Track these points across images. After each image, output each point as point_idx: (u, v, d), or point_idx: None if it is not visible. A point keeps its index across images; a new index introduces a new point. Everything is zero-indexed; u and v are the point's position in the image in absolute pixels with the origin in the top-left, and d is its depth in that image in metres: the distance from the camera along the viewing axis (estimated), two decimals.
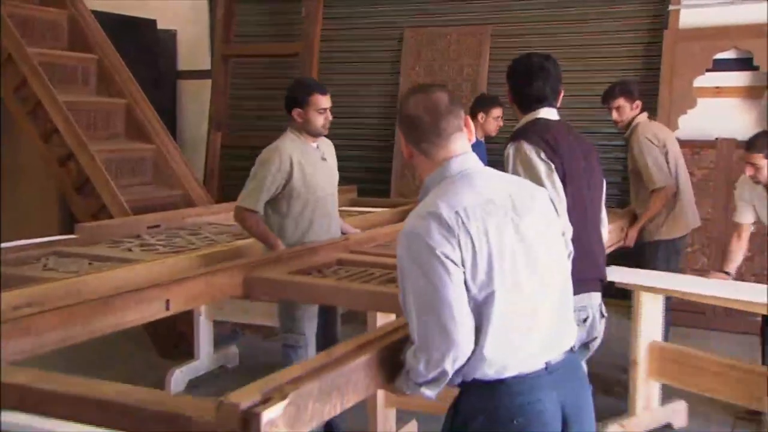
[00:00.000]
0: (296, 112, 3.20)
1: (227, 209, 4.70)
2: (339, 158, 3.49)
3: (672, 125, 5.28)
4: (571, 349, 1.78)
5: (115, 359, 4.50)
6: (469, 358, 1.62)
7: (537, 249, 1.69)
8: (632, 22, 5.61)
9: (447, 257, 1.58)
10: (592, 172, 2.54)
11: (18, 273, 3.05)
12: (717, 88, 5.28)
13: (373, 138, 6.26)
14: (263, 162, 3.18)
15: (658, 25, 5.48)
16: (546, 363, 1.69)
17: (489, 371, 1.64)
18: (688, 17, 5.32)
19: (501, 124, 4.60)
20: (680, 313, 5.20)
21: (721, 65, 5.25)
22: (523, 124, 2.58)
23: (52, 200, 5.69)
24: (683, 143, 5.24)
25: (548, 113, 2.54)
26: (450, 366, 1.61)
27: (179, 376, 4.10)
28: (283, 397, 1.47)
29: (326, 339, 3.37)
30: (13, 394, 1.77)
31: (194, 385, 4.16)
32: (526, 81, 2.53)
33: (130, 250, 3.56)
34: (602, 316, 2.51)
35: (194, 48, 7.06)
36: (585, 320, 2.40)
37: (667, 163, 4.07)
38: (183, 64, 7.14)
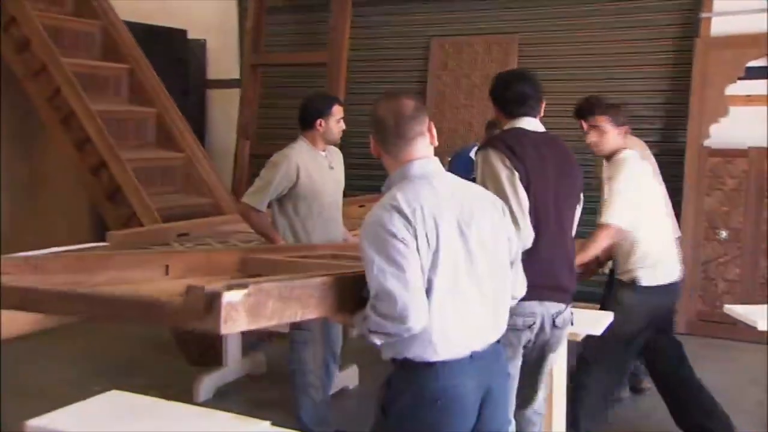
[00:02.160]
0: (318, 123, 3.36)
1: None
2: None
3: (703, 134, 5.24)
4: (498, 341, 1.98)
5: (143, 366, 4.55)
6: (404, 339, 1.84)
7: (477, 253, 1.89)
8: (662, 30, 5.56)
9: (405, 242, 1.79)
10: (566, 186, 2.56)
11: None
12: (749, 96, 5.21)
13: None
14: (273, 165, 3.36)
15: (689, 33, 5.42)
16: (472, 352, 1.89)
17: (418, 353, 1.86)
18: (720, 25, 5.27)
19: None
20: (708, 323, 5.16)
21: (753, 73, 5.19)
22: (499, 132, 2.66)
23: (83, 208, 5.77)
24: (714, 152, 5.20)
25: (528, 123, 2.56)
26: (395, 331, 1.82)
27: (207, 384, 4.12)
28: (244, 288, 1.66)
29: (328, 335, 3.51)
30: (14, 297, 2.02)
31: (223, 392, 4.17)
32: (507, 86, 2.58)
33: None
34: (555, 326, 2.53)
35: (223, 57, 7.13)
36: (530, 326, 2.47)
37: None
38: (212, 73, 7.21)
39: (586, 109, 3.24)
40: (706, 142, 5.24)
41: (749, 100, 5.22)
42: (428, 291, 1.83)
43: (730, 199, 5.16)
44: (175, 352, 4.66)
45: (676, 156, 5.31)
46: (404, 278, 1.78)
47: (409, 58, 6.38)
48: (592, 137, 3.21)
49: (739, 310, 3.51)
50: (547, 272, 2.46)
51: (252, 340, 4.66)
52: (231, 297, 1.62)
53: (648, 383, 4.09)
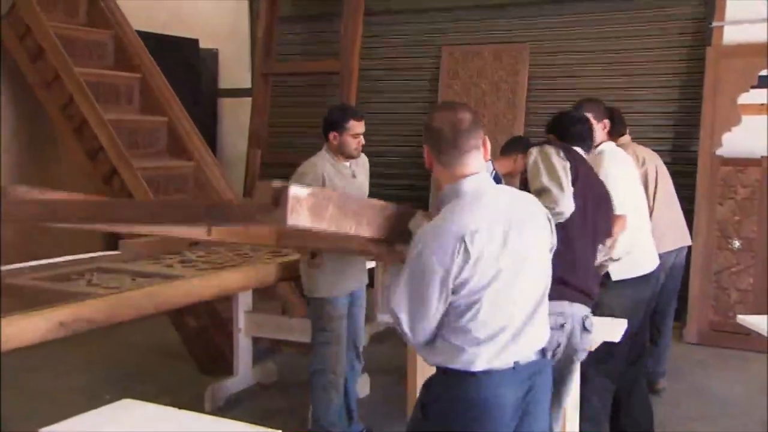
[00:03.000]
0: (332, 135, 3.35)
1: None
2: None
3: (715, 143, 5.21)
4: (543, 352, 2.01)
5: (155, 374, 4.56)
6: (448, 349, 1.90)
7: (523, 264, 1.92)
8: (674, 38, 5.54)
9: (440, 274, 1.84)
10: (602, 209, 2.81)
11: (62, 289, 3.11)
12: (762, 105, 5.19)
13: (412, 155, 6.27)
14: (300, 174, 3.34)
15: (700, 42, 5.41)
16: (515, 362, 1.91)
17: (462, 362, 1.88)
18: (732, 34, 5.25)
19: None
20: (721, 333, 5.13)
21: (766, 82, 5.16)
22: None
23: None
24: (727, 161, 5.18)
25: (581, 152, 2.92)
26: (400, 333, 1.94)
27: (218, 392, 4.12)
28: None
29: (351, 333, 3.54)
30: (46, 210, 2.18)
31: (233, 401, 4.18)
32: (568, 128, 3.00)
33: (171, 266, 3.61)
34: (585, 330, 2.64)
35: (235, 66, 7.16)
36: (562, 326, 2.57)
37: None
38: (224, 82, 7.25)
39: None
40: (719, 151, 5.22)
41: (762, 108, 5.19)
42: (473, 304, 1.86)
43: (742, 209, 5.13)
44: (185, 359, 4.68)
45: (689, 165, 5.29)
46: (420, 311, 1.88)
47: (419, 67, 6.39)
48: None
49: (752, 321, 3.49)
50: (577, 275, 2.60)
51: (262, 349, 4.67)
52: (297, 191, 1.75)
53: (663, 383, 4.08)
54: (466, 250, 1.83)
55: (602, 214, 2.81)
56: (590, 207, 2.71)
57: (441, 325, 1.91)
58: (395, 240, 2.13)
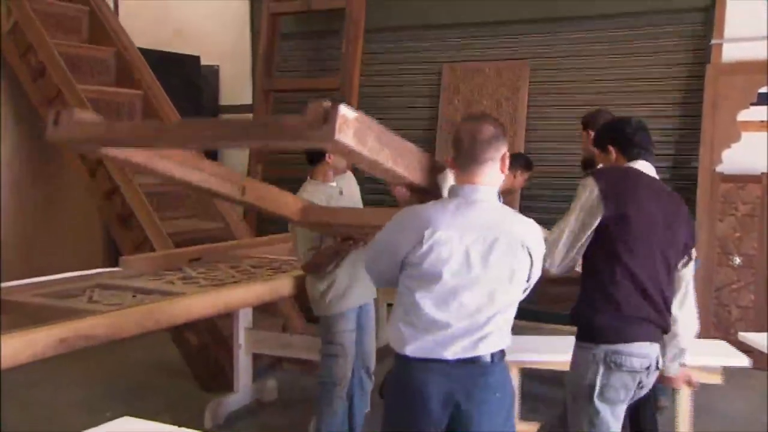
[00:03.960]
0: (328, 155, 3.41)
1: (267, 242, 4.77)
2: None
3: (715, 159, 5.22)
4: (492, 359, 2.12)
5: (155, 390, 4.54)
6: (397, 335, 2.15)
7: (484, 278, 2.08)
8: (674, 56, 5.57)
9: (402, 243, 2.11)
10: (670, 234, 2.46)
11: (63, 305, 3.11)
12: (762, 121, 5.21)
13: None
14: (298, 234, 3.38)
15: (700, 59, 5.43)
16: (447, 357, 2.09)
17: (401, 347, 2.13)
18: (731, 51, 5.27)
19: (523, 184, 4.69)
20: None
21: (766, 99, 5.18)
22: (617, 165, 2.62)
23: (96, 233, 5.81)
24: (727, 177, 5.19)
25: (643, 166, 2.55)
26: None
27: (218, 409, 4.11)
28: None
29: (362, 349, 3.56)
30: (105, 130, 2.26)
31: (233, 418, 4.16)
32: (634, 132, 2.60)
33: (172, 282, 3.61)
34: (657, 368, 2.47)
35: (236, 83, 7.19)
36: (648, 368, 2.40)
37: None
38: (225, 98, 7.27)
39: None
40: (719, 168, 5.23)
41: (763, 125, 5.21)
42: (413, 290, 2.11)
43: (743, 225, 5.14)
44: (186, 376, 4.66)
45: (689, 181, 5.29)
46: (376, 262, 2.23)
47: (420, 84, 6.42)
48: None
49: (753, 338, 3.49)
50: (656, 311, 2.40)
51: (263, 366, 4.66)
52: (345, 111, 1.83)
53: (665, 401, 4.06)
54: (420, 242, 2.07)
55: (669, 242, 2.46)
56: (656, 240, 2.42)
57: (396, 315, 2.17)
58: (422, 188, 2.27)
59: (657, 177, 2.58)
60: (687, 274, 2.55)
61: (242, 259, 4.27)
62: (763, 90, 5.17)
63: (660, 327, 2.44)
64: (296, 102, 6.84)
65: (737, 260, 5.08)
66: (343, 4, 6.25)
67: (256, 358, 4.43)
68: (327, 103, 1.82)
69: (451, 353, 2.09)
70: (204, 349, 4.62)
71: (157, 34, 6.90)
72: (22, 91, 5.34)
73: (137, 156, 2.41)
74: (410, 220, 2.13)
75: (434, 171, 2.30)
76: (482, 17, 6.09)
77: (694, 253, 2.56)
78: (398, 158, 2.11)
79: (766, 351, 3.25)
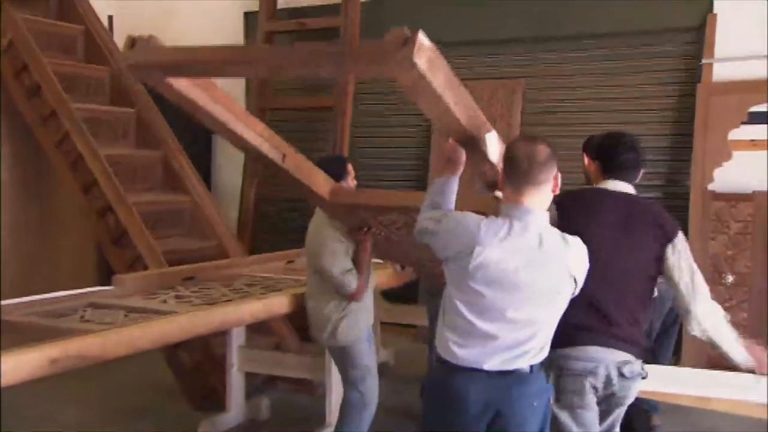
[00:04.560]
0: (347, 181, 3.47)
1: (261, 261, 4.77)
2: None
3: (707, 178, 5.25)
4: (531, 369, 2.21)
5: (148, 410, 4.52)
6: (443, 341, 2.26)
7: (529, 298, 2.16)
8: (665, 75, 5.61)
9: (456, 249, 2.21)
10: (630, 243, 2.53)
11: (54, 325, 3.09)
12: (753, 140, 5.24)
13: (408, 188, 6.29)
14: (332, 252, 3.38)
15: (691, 79, 5.48)
16: (482, 368, 2.18)
17: (444, 351, 2.25)
18: (722, 71, 5.32)
19: None
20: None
21: (756, 118, 5.22)
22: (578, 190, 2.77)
23: (89, 252, 5.79)
24: (719, 196, 5.21)
25: (615, 185, 2.65)
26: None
27: (209, 428, 4.08)
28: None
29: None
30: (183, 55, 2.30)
31: None
32: (616, 152, 2.68)
33: (165, 301, 3.60)
34: (622, 376, 2.50)
35: None
36: (592, 372, 2.48)
37: None
38: None
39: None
40: (711, 186, 5.26)
41: (753, 144, 5.25)
42: (459, 300, 2.21)
43: (735, 243, 5.16)
44: (178, 396, 4.63)
45: (681, 200, 5.32)
46: (437, 225, 2.30)
47: (415, 102, 6.42)
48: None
49: None
50: (606, 322, 2.48)
51: (256, 385, 4.63)
52: (424, 38, 1.92)
53: (657, 420, 4.06)
54: (470, 254, 2.15)
55: (629, 250, 2.53)
56: (610, 251, 2.50)
57: (444, 320, 2.27)
58: (470, 144, 2.34)
59: (631, 191, 2.65)
60: (680, 262, 2.54)
61: (236, 278, 4.27)
62: (753, 109, 5.21)
63: (614, 336, 2.49)
64: (291, 120, 6.88)
65: (730, 278, 5.09)
66: (337, 22, 6.29)
67: (250, 376, 4.41)
68: (407, 30, 1.91)
69: (491, 365, 2.19)
70: (197, 368, 4.59)
71: None
72: (17, 110, 5.35)
73: (202, 98, 2.46)
74: (464, 230, 2.21)
75: (484, 127, 2.33)
76: (477, 36, 6.14)
77: (681, 238, 2.56)
78: (459, 103, 2.15)
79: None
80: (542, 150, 2.17)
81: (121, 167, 5.21)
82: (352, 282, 3.34)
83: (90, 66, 5.78)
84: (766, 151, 5.21)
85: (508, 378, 2.19)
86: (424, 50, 1.92)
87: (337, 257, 3.35)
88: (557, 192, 2.24)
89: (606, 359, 2.47)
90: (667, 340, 4.16)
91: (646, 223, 2.56)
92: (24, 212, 5.73)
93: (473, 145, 2.33)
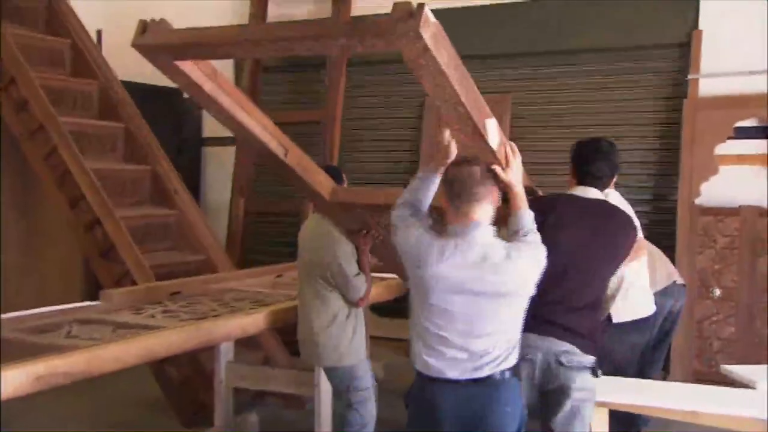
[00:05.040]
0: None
1: (249, 275, 4.75)
2: None
3: (694, 192, 5.28)
4: (502, 375, 2.32)
5: (135, 427, 4.48)
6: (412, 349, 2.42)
7: (472, 307, 2.30)
8: (652, 90, 5.65)
9: (410, 262, 2.41)
10: (598, 244, 2.72)
11: (40, 341, 3.06)
12: (739, 155, 5.28)
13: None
14: (345, 253, 3.37)
15: (678, 94, 5.52)
16: (446, 378, 2.32)
17: (415, 362, 2.42)
18: (708, 86, 5.36)
19: None
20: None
21: (742, 133, 5.26)
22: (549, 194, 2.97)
23: (76, 267, 5.75)
24: (706, 210, 5.24)
25: (584, 191, 2.85)
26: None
27: None
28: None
29: None
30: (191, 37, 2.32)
31: None
32: (588, 161, 2.88)
33: (153, 316, 3.57)
34: (561, 365, 2.64)
35: None
36: (527, 359, 2.61)
37: None
38: (208, 131, 7.28)
39: None
40: (698, 201, 5.29)
41: (740, 159, 5.28)
42: (417, 310, 2.40)
43: (722, 258, 5.18)
44: (166, 411, 4.60)
45: (669, 214, 5.35)
46: (395, 232, 2.51)
47: (403, 117, 6.46)
48: None
49: (735, 370, 3.50)
50: (548, 308, 2.61)
51: (245, 400, 4.60)
52: (430, 13, 1.99)
53: None
54: (419, 267, 2.35)
55: (595, 250, 2.71)
56: (578, 249, 2.68)
57: (412, 332, 2.42)
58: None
59: (601, 197, 2.84)
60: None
61: (224, 292, 4.25)
62: (739, 124, 5.25)
63: (554, 325, 2.63)
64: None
65: (717, 292, 5.11)
66: None
67: (239, 391, 4.38)
68: (414, 3, 1.99)
69: (458, 374, 2.32)
70: (185, 383, 4.57)
71: (140, 66, 6.86)
72: (4, 124, 5.32)
73: (207, 84, 2.50)
74: (410, 247, 2.39)
75: (484, 114, 2.38)
76: (465, 51, 6.09)
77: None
78: (462, 84, 2.20)
79: (748, 384, 3.25)
80: (477, 170, 2.35)
81: (109, 181, 5.19)
82: (362, 286, 3.34)
83: (78, 80, 5.77)
84: (752, 166, 5.26)
85: (480, 386, 2.30)
86: (430, 25, 1.99)
87: (351, 259, 3.33)
88: (498, 205, 2.39)
89: (543, 347, 2.63)
90: (658, 353, 4.19)
91: (616, 227, 2.78)
92: (10, 226, 5.69)
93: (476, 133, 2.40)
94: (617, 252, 2.78)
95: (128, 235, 4.81)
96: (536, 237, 2.42)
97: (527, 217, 2.45)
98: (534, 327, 2.54)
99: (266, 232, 6.83)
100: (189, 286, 4.27)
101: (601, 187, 2.88)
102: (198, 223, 5.47)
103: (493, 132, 2.40)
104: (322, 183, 3.19)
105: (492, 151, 2.41)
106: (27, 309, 3.49)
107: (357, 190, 3.47)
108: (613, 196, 3.32)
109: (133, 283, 4.60)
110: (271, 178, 6.85)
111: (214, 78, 2.53)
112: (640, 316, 3.48)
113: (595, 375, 2.67)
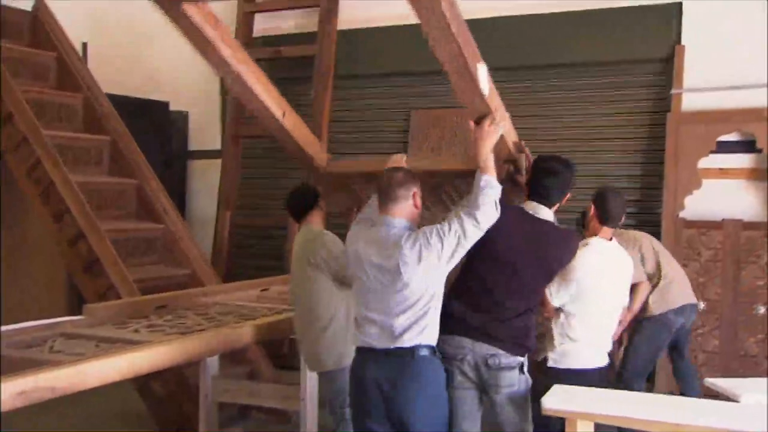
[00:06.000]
0: (322, 203, 3.63)
1: (235, 288, 4.73)
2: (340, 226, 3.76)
3: (678, 205, 5.32)
4: (412, 353, 2.70)
5: None
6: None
7: (379, 277, 2.73)
8: (636, 104, 5.70)
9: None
10: (534, 260, 2.90)
11: (23, 356, 3.04)
12: (721, 169, 5.33)
13: None
14: (330, 240, 3.52)
15: (661, 108, 5.57)
16: (378, 347, 2.74)
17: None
18: (691, 101, 5.42)
19: None
20: None
21: (725, 147, 5.31)
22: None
23: (60, 281, 5.71)
24: (690, 223, 5.28)
25: (531, 207, 3.00)
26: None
27: None
28: None
29: None
30: None
31: None
32: (541, 178, 3.03)
33: (137, 331, 3.55)
34: (488, 367, 2.87)
35: (205, 128, 7.19)
36: (460, 358, 2.88)
37: (642, 257, 4.35)
38: (194, 144, 7.26)
39: None
40: (682, 214, 5.33)
41: (722, 173, 5.34)
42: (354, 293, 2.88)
43: (706, 271, 5.22)
44: (150, 427, 4.56)
45: (653, 227, 5.37)
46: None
47: (389, 130, 6.48)
48: None
49: (719, 384, 3.51)
50: (476, 312, 2.87)
51: (231, 415, 4.57)
52: None
53: None
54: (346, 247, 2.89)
55: (530, 265, 2.89)
56: (511, 264, 2.87)
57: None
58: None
59: (543, 216, 2.97)
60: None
61: (210, 306, 4.23)
62: (722, 138, 5.31)
63: (480, 331, 2.86)
64: (265, 148, 6.87)
65: (701, 305, 5.14)
66: (313, 51, 6.32)
67: (224, 406, 4.35)
68: None
69: (381, 345, 2.73)
70: (170, 398, 4.53)
71: (126, 79, 6.90)
72: None
73: (213, 35, 2.55)
74: (351, 236, 2.89)
75: (476, 60, 2.55)
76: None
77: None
78: (457, 19, 2.33)
79: (732, 398, 3.27)
80: (400, 174, 2.81)
81: (93, 194, 5.17)
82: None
83: (63, 93, 5.75)
84: (734, 180, 5.31)
85: (395, 358, 2.69)
86: None
87: (337, 242, 3.45)
88: (418, 206, 2.80)
89: (471, 349, 2.87)
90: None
91: (551, 243, 2.95)
92: None
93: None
94: (550, 268, 2.96)
95: (113, 249, 4.79)
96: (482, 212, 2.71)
97: (482, 182, 2.76)
98: (463, 330, 2.86)
99: (252, 245, 6.82)
100: (174, 300, 4.24)
101: (549, 204, 3.00)
102: (183, 236, 5.45)
103: (484, 78, 2.52)
104: (317, 151, 3.30)
105: (481, 96, 2.50)
106: (10, 323, 3.45)
107: (352, 161, 3.72)
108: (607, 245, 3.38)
109: (118, 297, 4.57)
110: (256, 192, 6.84)
111: (216, 27, 2.55)
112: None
113: (522, 372, 2.90)
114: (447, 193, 3.39)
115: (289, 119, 3.05)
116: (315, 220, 3.61)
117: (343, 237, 3.11)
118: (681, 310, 4.40)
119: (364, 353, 2.79)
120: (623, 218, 3.38)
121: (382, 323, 2.73)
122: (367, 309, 2.77)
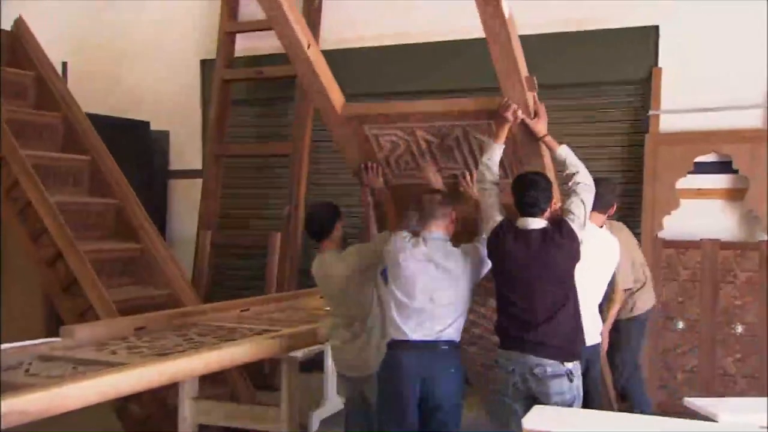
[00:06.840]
0: (338, 225, 3.74)
1: (215, 309, 4.70)
2: None
3: (656, 225, 5.37)
4: (449, 344, 3.22)
5: None
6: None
7: (432, 283, 3.22)
8: (614, 125, 5.76)
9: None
10: (540, 267, 3.10)
11: None
12: (699, 190, 5.40)
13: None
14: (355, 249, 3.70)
15: (639, 129, 5.63)
16: (415, 338, 3.20)
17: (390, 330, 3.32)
18: (668, 122, 5.49)
19: None
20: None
21: (702, 168, 5.38)
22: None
23: (37, 302, 5.63)
24: (668, 243, 5.33)
25: (524, 221, 3.16)
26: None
27: None
28: None
29: None
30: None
31: None
32: (523, 191, 3.17)
33: (115, 353, 3.52)
34: (535, 376, 3.06)
35: (186, 148, 7.16)
36: (509, 371, 3.12)
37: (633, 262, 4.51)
38: (175, 163, 7.24)
39: None
40: (660, 234, 5.38)
41: (700, 193, 5.40)
42: (389, 293, 3.32)
43: (684, 290, 5.26)
44: None
45: None
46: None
47: None
48: None
49: (698, 403, 3.53)
50: (516, 326, 3.11)
51: None
52: None
53: None
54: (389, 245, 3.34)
55: (539, 272, 3.10)
56: (525, 275, 3.11)
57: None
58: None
59: (536, 227, 3.12)
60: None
61: (189, 327, 4.20)
62: (699, 159, 5.37)
63: (528, 342, 3.07)
64: (247, 168, 6.87)
65: (680, 324, 5.18)
66: (294, 71, 6.31)
67: (203, 428, 4.31)
68: None
69: (416, 335, 3.20)
70: (148, 420, 4.48)
71: (106, 99, 6.88)
72: None
73: None
74: (391, 244, 3.34)
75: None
76: (430, 86, 6.22)
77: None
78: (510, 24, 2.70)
79: (711, 417, 3.28)
80: (439, 197, 3.33)
81: (72, 215, 5.13)
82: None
83: (41, 112, 5.72)
84: (711, 200, 5.37)
85: (431, 348, 3.16)
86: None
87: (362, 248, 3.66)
88: (453, 225, 3.32)
89: (520, 362, 3.09)
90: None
91: (552, 250, 3.09)
92: None
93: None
94: (558, 267, 3.12)
95: (92, 269, 4.74)
96: (584, 174, 3.24)
97: (565, 152, 3.27)
98: (515, 344, 3.11)
99: (233, 265, 6.78)
100: (153, 321, 4.20)
101: (540, 213, 3.14)
102: (164, 257, 5.41)
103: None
104: (334, 91, 3.43)
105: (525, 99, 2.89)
106: None
107: (366, 104, 3.74)
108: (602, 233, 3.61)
109: (97, 318, 4.52)
110: (237, 212, 6.82)
111: None
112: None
113: (570, 380, 3.07)
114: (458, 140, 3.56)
115: (313, 52, 3.20)
116: (333, 245, 3.69)
117: None
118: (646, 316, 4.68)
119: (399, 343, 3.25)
120: (615, 205, 3.69)
121: None
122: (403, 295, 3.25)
